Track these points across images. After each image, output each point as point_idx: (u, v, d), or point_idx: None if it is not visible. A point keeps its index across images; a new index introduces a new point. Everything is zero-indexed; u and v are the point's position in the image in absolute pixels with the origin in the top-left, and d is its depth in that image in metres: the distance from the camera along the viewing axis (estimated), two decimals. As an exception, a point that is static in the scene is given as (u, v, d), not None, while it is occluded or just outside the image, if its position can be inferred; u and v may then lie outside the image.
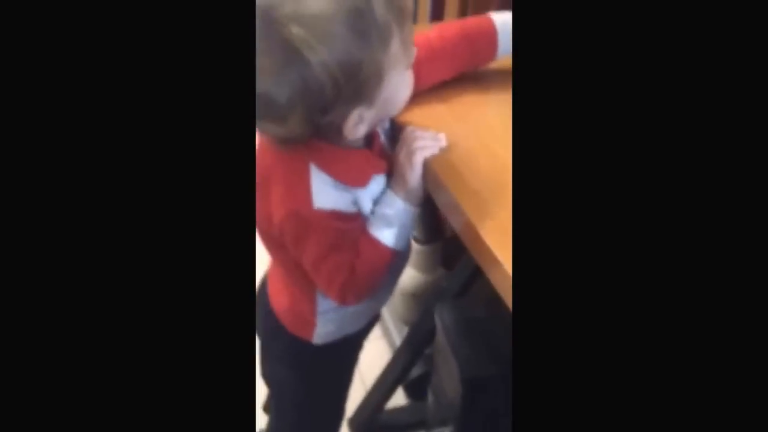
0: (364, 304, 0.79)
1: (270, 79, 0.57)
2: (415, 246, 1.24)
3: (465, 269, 1.07)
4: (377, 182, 0.70)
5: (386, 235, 0.69)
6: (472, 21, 0.80)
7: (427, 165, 0.69)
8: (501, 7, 0.84)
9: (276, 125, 0.62)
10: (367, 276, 0.70)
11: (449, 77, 0.80)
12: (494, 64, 0.84)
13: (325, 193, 0.65)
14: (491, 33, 0.77)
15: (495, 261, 0.57)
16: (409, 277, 1.26)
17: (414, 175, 0.69)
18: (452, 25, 0.79)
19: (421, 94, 0.78)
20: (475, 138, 0.73)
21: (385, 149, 0.74)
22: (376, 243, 0.69)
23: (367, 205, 0.70)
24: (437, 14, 1.20)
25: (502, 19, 0.78)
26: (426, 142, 0.70)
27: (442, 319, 0.99)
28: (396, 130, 0.75)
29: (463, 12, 1.21)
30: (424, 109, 0.78)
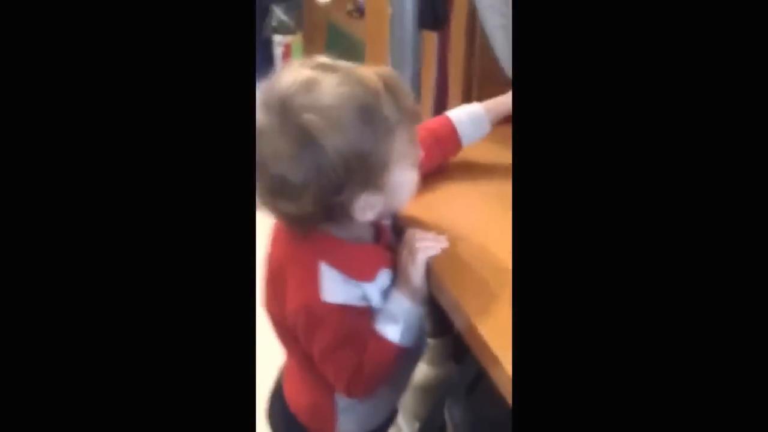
0: (382, 397, 0.80)
1: (286, 162, 0.62)
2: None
3: (475, 363, 1.06)
4: (385, 276, 0.72)
5: (391, 332, 0.70)
6: (434, 122, 0.88)
7: (429, 265, 0.71)
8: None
9: (290, 203, 0.65)
10: (374, 371, 0.71)
11: (430, 170, 0.85)
12: (495, 165, 0.89)
13: (335, 288, 0.68)
14: (451, 129, 0.86)
15: (496, 361, 0.58)
16: (419, 371, 1.24)
17: (417, 275, 0.70)
18: (420, 128, 0.85)
19: (425, 196, 0.81)
20: (475, 239, 0.75)
21: (392, 244, 0.76)
22: (381, 339, 0.70)
23: (376, 299, 0.71)
24: (440, 109, 1.25)
25: (456, 114, 0.87)
26: (428, 242, 0.72)
27: (452, 417, 0.97)
28: (398, 227, 0.78)
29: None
30: (427, 210, 0.81)
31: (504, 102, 0.89)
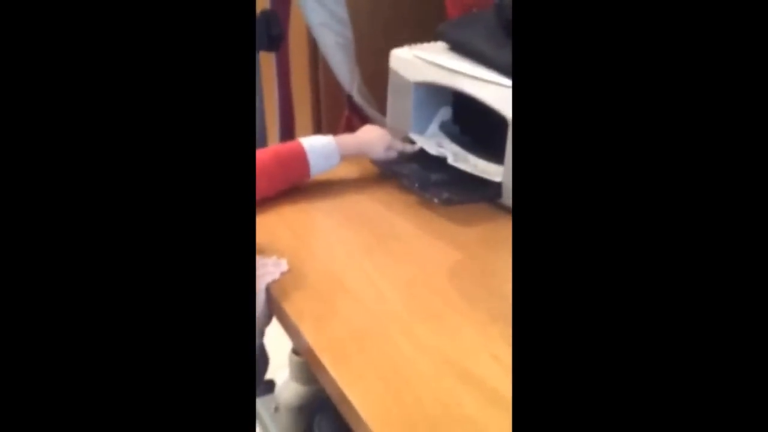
0: None
1: None
2: (294, 358, 1.24)
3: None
4: None
5: None
6: (284, 146, 0.90)
7: (269, 291, 0.71)
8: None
9: None
10: None
11: (270, 195, 0.88)
12: (341, 192, 0.93)
13: None
14: (302, 155, 0.87)
15: (332, 380, 0.59)
16: (293, 390, 1.25)
17: (258, 303, 0.70)
18: (268, 150, 0.88)
19: (263, 220, 0.82)
20: (316, 262, 0.76)
21: None
22: None
23: None
24: (286, 128, 1.26)
25: (310, 143, 0.88)
26: (268, 268, 0.72)
27: (320, 431, 0.98)
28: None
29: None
30: (266, 234, 0.81)
31: (350, 142, 0.93)
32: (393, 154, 0.95)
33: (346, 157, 0.92)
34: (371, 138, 0.94)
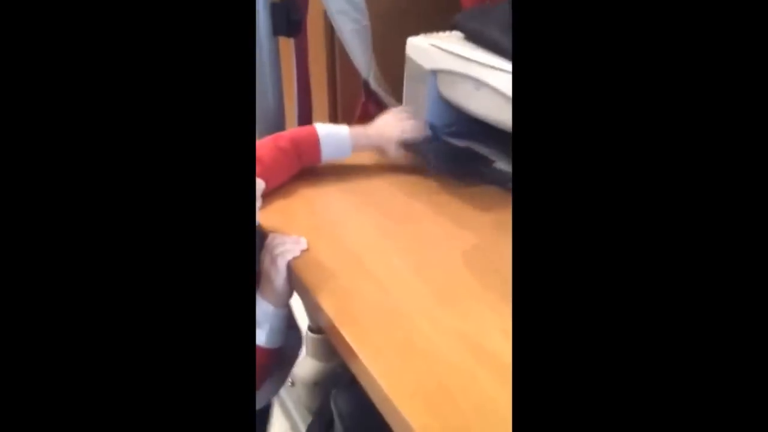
0: (259, 396, 0.84)
1: None
2: (310, 335, 1.28)
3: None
4: None
5: (258, 336, 0.74)
6: (300, 130, 0.95)
7: (290, 268, 0.75)
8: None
9: None
10: None
11: (288, 178, 0.93)
12: (359, 175, 0.96)
13: None
14: (314, 140, 0.92)
15: (354, 355, 0.63)
16: (309, 366, 1.29)
17: (279, 279, 0.74)
18: (285, 135, 0.93)
19: (284, 201, 0.87)
20: (335, 242, 0.80)
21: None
22: None
23: None
24: (304, 114, 1.29)
25: (326, 130, 0.93)
26: (288, 246, 0.76)
27: (337, 407, 1.02)
28: (261, 237, 0.81)
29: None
30: (286, 215, 0.85)
31: (367, 135, 0.96)
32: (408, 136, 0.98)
33: (359, 150, 0.96)
34: (384, 133, 0.97)
